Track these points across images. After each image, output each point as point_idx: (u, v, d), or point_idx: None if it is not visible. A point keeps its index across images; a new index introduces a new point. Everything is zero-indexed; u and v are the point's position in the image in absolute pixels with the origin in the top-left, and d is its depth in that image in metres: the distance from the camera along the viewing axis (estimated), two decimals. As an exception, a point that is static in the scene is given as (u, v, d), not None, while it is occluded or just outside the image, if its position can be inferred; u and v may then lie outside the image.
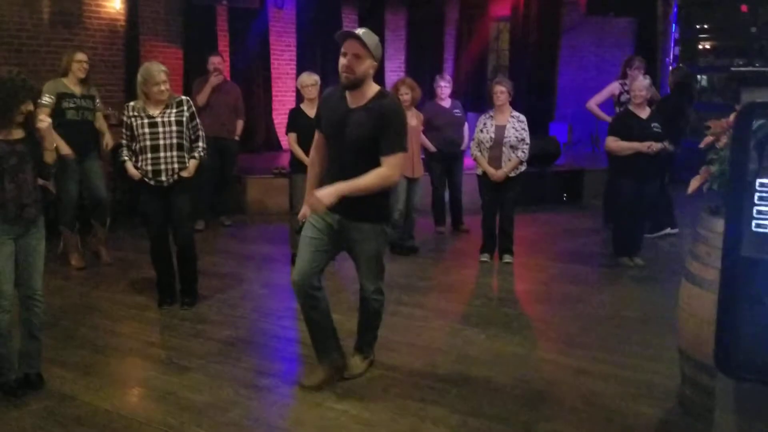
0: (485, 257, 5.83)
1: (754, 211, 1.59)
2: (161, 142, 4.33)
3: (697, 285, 2.82)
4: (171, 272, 4.66)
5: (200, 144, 4.51)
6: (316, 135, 3.40)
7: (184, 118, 4.38)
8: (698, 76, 9.93)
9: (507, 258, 5.77)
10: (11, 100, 3.08)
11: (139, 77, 4.31)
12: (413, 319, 4.41)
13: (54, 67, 6.62)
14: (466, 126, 6.72)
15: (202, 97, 6.62)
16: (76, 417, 3.10)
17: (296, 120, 5.42)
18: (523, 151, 5.47)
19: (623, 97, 6.50)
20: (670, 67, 9.39)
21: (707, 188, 2.96)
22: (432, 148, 6.51)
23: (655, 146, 5.34)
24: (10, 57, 6.72)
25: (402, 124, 3.14)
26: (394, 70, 10.90)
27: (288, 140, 5.53)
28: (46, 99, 5.12)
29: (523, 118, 5.55)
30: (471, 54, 10.55)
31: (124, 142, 4.41)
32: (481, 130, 5.57)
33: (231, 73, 9.13)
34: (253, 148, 9.46)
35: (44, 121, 3.27)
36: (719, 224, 2.47)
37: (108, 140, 5.62)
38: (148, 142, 4.32)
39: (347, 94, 3.13)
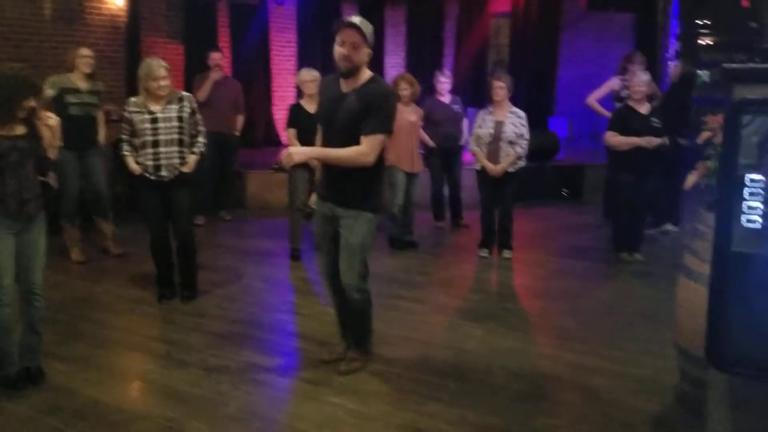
0: (484, 252, 5.85)
1: (744, 206, 1.61)
2: (162, 137, 4.35)
3: (694, 280, 2.83)
4: (171, 267, 4.69)
5: (200, 139, 4.53)
6: (319, 126, 3.44)
7: (185, 114, 4.40)
8: (698, 72, 9.91)
9: (506, 253, 5.79)
10: (14, 96, 3.10)
11: (140, 73, 4.33)
12: (412, 314, 4.43)
13: (55, 62, 6.64)
14: (465, 121, 6.73)
15: (202, 93, 6.64)
16: (75, 410, 3.13)
17: (296, 116, 5.43)
18: (522, 147, 5.48)
19: (623, 93, 6.49)
20: (671, 62, 9.37)
21: (704, 184, 2.97)
22: (431, 143, 6.52)
23: (654, 141, 5.35)
24: (12, 53, 6.74)
25: (389, 108, 3.15)
26: (394, 66, 10.88)
27: (287, 136, 5.54)
28: (48, 91, 5.17)
29: (522, 113, 5.56)
30: (471, 49, 10.53)
31: (124, 137, 4.43)
32: (480, 126, 5.58)
33: (231, 68, 9.14)
34: (254, 143, 9.48)
35: (53, 118, 3.30)
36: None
37: (102, 136, 5.63)
38: (148, 138, 4.34)
39: (341, 80, 3.19)
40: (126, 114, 4.39)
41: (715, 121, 2.97)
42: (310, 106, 5.40)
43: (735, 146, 1.58)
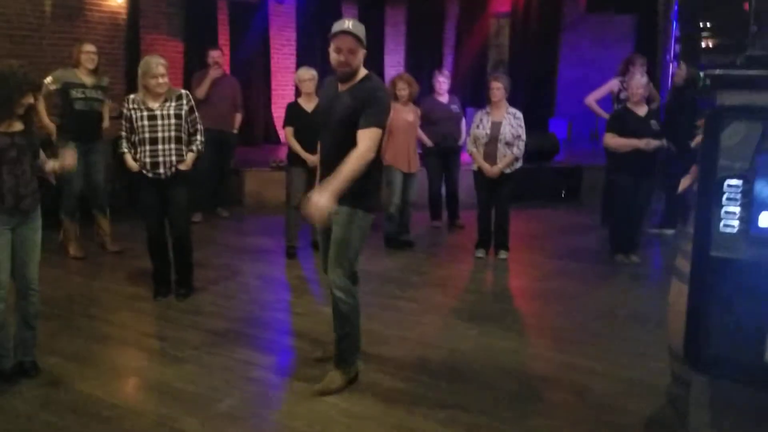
0: (480, 253, 5.86)
1: (722, 212, 1.63)
2: (160, 134, 4.36)
3: (684, 282, 2.84)
4: (167, 264, 4.70)
5: (198, 137, 4.54)
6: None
7: (183, 112, 4.41)
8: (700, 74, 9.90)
9: (502, 254, 5.80)
10: (13, 93, 3.12)
11: (139, 70, 4.35)
12: (406, 313, 4.44)
13: (55, 59, 6.67)
14: (463, 121, 6.74)
15: (201, 91, 6.65)
16: (69, 405, 3.14)
17: (293, 114, 5.45)
18: (519, 148, 5.49)
19: (622, 95, 6.50)
20: (672, 65, 9.37)
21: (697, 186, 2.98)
22: (429, 142, 6.54)
23: (653, 143, 5.37)
24: (13, 49, 6.76)
25: (381, 103, 3.16)
26: (394, 66, 10.91)
27: (285, 134, 5.55)
28: (51, 86, 5.26)
29: (519, 114, 5.57)
30: (471, 49, 10.55)
31: (123, 134, 4.45)
32: (477, 126, 5.59)
33: (231, 66, 9.16)
34: (253, 141, 9.50)
35: (72, 159, 3.53)
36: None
37: (105, 125, 5.67)
38: (146, 135, 4.35)
39: (339, 82, 3.24)
40: (125, 111, 4.41)
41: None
42: (308, 105, 5.41)
43: (714, 151, 1.60)
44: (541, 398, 3.32)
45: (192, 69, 7.95)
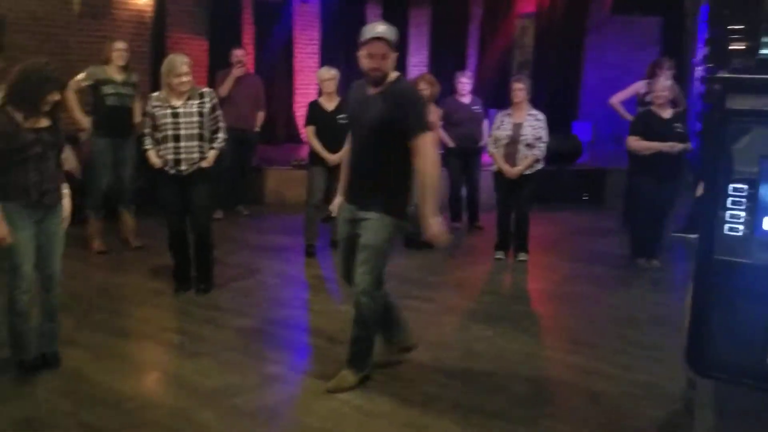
0: (500, 254, 5.83)
1: (727, 215, 1.62)
2: (182, 132, 4.43)
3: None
4: (188, 260, 4.76)
5: (220, 135, 4.60)
6: (349, 133, 3.43)
7: (206, 109, 4.47)
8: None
9: (522, 256, 5.77)
10: (40, 90, 3.19)
11: (163, 68, 4.43)
12: (422, 314, 4.44)
13: (81, 57, 6.79)
14: (485, 122, 6.72)
15: (224, 89, 6.72)
16: (88, 396, 3.20)
17: (314, 113, 5.48)
18: (540, 149, 5.46)
19: (647, 98, 6.43)
20: (699, 68, 9.22)
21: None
22: (450, 143, 6.53)
23: (678, 146, 5.31)
24: (41, 47, 6.90)
25: (419, 103, 3.22)
26: (417, 65, 10.89)
27: (306, 133, 5.59)
28: (83, 82, 5.41)
29: (541, 116, 5.54)
30: (495, 50, 10.50)
31: (147, 131, 4.53)
32: (499, 127, 5.57)
33: (255, 65, 9.24)
34: (275, 140, 9.57)
35: (72, 163, 3.62)
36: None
37: (137, 119, 5.76)
38: (169, 132, 4.42)
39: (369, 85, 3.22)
40: (148, 109, 4.49)
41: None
42: (329, 104, 5.45)
43: (718, 156, 1.59)
44: (555, 401, 3.31)
45: (216, 67, 8.02)
